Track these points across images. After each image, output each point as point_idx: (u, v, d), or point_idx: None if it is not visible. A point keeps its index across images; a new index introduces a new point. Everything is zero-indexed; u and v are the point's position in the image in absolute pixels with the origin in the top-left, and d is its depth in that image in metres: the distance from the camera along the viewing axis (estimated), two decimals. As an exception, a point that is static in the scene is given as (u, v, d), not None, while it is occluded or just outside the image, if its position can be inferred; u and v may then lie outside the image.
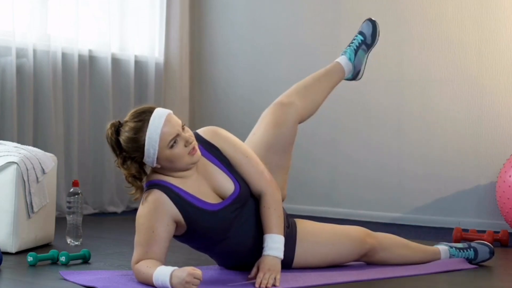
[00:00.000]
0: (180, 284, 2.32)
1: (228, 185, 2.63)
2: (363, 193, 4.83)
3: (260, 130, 2.86)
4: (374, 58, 4.83)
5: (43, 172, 3.38)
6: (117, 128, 2.56)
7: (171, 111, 2.56)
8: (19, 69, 4.51)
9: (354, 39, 3.14)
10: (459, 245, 3.07)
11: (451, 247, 3.06)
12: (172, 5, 5.40)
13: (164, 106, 5.32)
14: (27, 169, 3.28)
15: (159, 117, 2.51)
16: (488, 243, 3.08)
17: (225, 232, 2.62)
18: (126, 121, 2.54)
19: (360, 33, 3.14)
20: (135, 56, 5.21)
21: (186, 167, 2.56)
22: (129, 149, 2.53)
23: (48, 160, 3.46)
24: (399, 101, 4.73)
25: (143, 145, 2.50)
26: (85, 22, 4.97)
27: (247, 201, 2.66)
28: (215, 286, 2.51)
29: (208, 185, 2.62)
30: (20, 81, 4.52)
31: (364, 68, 3.14)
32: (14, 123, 4.43)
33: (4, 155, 3.30)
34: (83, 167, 4.89)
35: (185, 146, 2.52)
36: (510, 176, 3.86)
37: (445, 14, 4.55)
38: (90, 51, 4.95)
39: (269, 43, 5.28)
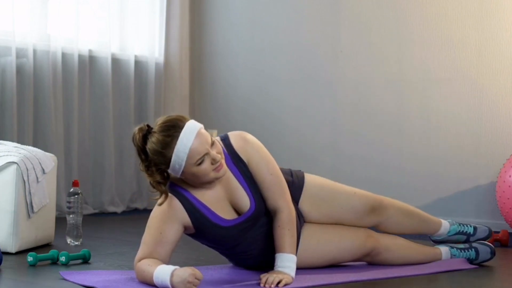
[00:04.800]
0: (182, 283, 2.32)
1: (245, 202, 2.62)
2: (363, 193, 4.82)
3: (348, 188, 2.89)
4: (374, 57, 4.87)
5: (43, 172, 3.38)
6: (145, 134, 2.52)
7: (202, 126, 2.52)
8: (19, 69, 4.51)
9: (466, 225, 3.11)
10: (460, 245, 3.07)
11: (452, 247, 3.06)
12: (172, 5, 5.40)
13: (164, 106, 5.32)
14: (27, 169, 3.27)
15: (189, 134, 2.48)
16: (489, 243, 3.08)
17: (235, 241, 2.64)
18: (154, 132, 2.50)
19: (475, 228, 3.11)
20: (135, 56, 5.21)
21: (210, 181, 2.55)
22: (155, 160, 2.50)
23: (48, 160, 3.46)
24: (399, 101, 4.73)
25: (170, 160, 2.48)
26: (85, 22, 4.97)
27: (261, 217, 2.67)
28: (215, 286, 2.51)
29: (226, 198, 2.63)
30: (20, 81, 4.51)
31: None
32: (14, 123, 4.43)
33: (4, 155, 3.29)
34: (83, 167, 4.89)
35: (212, 163, 2.51)
36: (510, 176, 3.86)
37: (445, 14, 4.55)
38: (90, 51, 4.95)
39: (269, 43, 5.28)
